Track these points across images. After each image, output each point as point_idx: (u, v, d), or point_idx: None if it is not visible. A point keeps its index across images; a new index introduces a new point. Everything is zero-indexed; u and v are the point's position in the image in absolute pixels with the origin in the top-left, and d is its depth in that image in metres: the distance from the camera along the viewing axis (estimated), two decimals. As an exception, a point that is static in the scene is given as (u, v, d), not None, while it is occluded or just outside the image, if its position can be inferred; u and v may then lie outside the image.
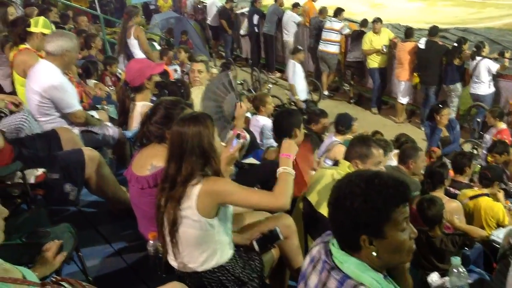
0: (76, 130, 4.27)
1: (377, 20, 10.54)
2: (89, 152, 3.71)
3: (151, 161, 2.99)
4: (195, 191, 2.51)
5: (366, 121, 9.96)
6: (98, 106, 5.30)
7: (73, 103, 4.24)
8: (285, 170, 2.72)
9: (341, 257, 1.78)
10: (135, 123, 4.30)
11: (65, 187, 3.56)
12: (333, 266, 1.78)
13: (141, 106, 4.28)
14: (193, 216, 2.53)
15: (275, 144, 5.12)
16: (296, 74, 9.90)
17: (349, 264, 1.76)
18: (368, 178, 1.76)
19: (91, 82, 6.49)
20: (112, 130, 4.43)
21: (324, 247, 1.88)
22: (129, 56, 7.65)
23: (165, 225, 2.64)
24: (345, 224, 1.75)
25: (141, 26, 8.40)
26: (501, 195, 5.02)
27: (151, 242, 2.80)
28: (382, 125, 9.47)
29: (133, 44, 7.71)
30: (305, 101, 10.08)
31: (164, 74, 6.63)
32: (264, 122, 6.11)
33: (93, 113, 4.81)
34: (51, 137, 3.94)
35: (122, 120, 4.51)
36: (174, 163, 2.57)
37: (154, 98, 4.64)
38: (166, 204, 2.59)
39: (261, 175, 3.85)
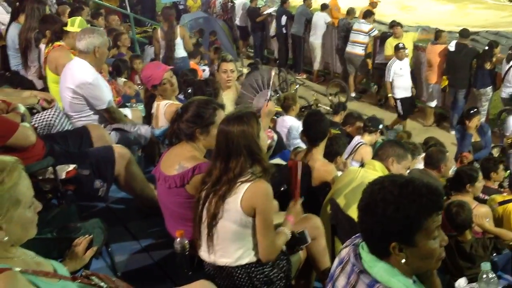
0: (108, 127, 4.35)
1: (396, 24, 10.46)
2: (119, 149, 3.76)
3: (179, 160, 3.01)
4: (243, 188, 2.60)
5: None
6: (127, 104, 5.36)
7: (107, 100, 4.33)
8: (284, 231, 2.86)
9: (370, 261, 1.77)
10: (160, 122, 4.36)
11: (95, 183, 3.61)
12: (362, 269, 1.77)
13: (164, 105, 4.33)
14: (236, 211, 2.61)
15: (302, 144, 5.13)
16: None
17: (378, 268, 1.74)
18: (401, 185, 1.73)
19: (121, 80, 6.57)
20: (143, 129, 4.49)
21: (354, 249, 1.87)
22: (168, 57, 7.83)
23: (203, 218, 2.70)
24: (375, 230, 1.73)
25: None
26: None
27: (178, 240, 2.82)
28: (410, 128, 9.37)
29: (178, 44, 7.90)
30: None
31: (192, 72, 6.69)
32: (291, 122, 6.11)
33: (127, 111, 4.87)
34: (82, 133, 4.01)
35: (149, 119, 4.58)
36: (220, 162, 2.67)
37: (182, 97, 4.68)
38: (208, 197, 2.67)
39: (288, 176, 3.85)
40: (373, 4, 12.25)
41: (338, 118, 7.33)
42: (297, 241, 2.97)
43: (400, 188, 1.72)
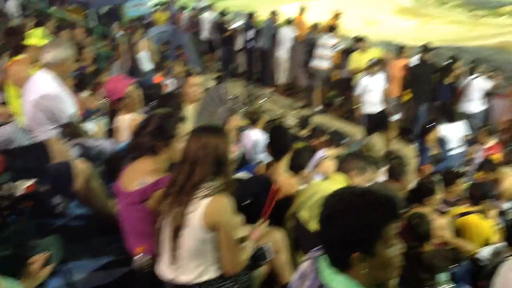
0: (70, 142, 4.28)
1: (362, 39, 10.61)
2: (80, 164, 3.71)
3: (139, 176, 2.98)
4: (204, 203, 2.59)
5: (358, 136, 10.00)
6: (91, 118, 5.30)
7: (70, 113, 4.27)
8: (248, 245, 2.93)
9: (330, 275, 1.78)
10: (124, 136, 4.32)
11: (54, 199, 3.55)
12: (322, 284, 1.78)
13: (127, 119, 4.30)
14: (197, 227, 2.59)
15: (267, 158, 5.15)
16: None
17: (338, 282, 1.76)
18: (360, 194, 1.77)
19: (85, 94, 6.50)
20: (106, 143, 4.44)
21: (314, 263, 1.88)
22: (134, 70, 7.77)
23: (164, 232, 2.68)
24: (336, 241, 1.75)
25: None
26: (493, 212, 5.03)
27: (138, 256, 2.79)
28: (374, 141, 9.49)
29: (143, 57, 7.82)
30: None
31: (156, 86, 6.67)
32: (257, 136, 6.13)
33: (90, 125, 4.81)
34: (42, 148, 3.93)
35: (111, 133, 4.54)
36: (186, 168, 2.66)
37: (147, 111, 4.66)
38: (171, 209, 2.65)
39: (252, 190, 3.86)
40: (337, 16, 12.44)
41: (304, 132, 7.39)
42: (259, 255, 2.98)
43: (359, 197, 1.76)
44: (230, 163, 2.79)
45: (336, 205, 1.77)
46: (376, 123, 9.56)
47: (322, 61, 11.27)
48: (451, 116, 8.14)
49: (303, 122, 7.67)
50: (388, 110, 9.39)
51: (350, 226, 1.70)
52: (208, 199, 2.60)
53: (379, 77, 9.42)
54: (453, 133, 7.58)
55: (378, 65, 9.43)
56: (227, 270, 2.69)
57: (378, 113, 9.42)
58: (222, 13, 14.41)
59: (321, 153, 5.98)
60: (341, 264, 1.77)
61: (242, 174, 4.47)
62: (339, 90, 11.84)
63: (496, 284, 2.98)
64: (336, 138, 6.10)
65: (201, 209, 2.59)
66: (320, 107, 11.69)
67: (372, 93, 9.41)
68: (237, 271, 2.73)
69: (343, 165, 3.79)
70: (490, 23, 19.04)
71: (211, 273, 2.69)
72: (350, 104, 11.46)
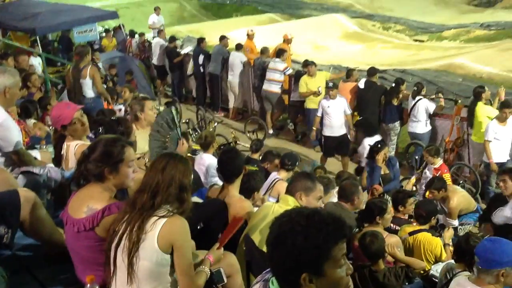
0: (16, 170, 4.14)
1: (311, 63, 10.80)
2: (25, 193, 3.58)
3: (87, 203, 2.91)
4: (159, 224, 2.62)
5: (310, 158, 10.13)
6: (37, 146, 5.15)
7: (16, 142, 4.14)
8: (204, 270, 2.91)
9: None
10: (70, 163, 4.23)
11: (-1, 230, 3.41)
12: None
13: (74, 145, 4.22)
14: (152, 248, 2.60)
15: (219, 182, 5.14)
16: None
17: None
18: (308, 215, 1.77)
19: (31, 121, 6.33)
20: (53, 171, 4.32)
21: (264, 285, 1.87)
22: (79, 96, 7.61)
23: (118, 255, 2.65)
24: (285, 262, 1.75)
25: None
26: (448, 234, 5.12)
27: (88, 286, 2.70)
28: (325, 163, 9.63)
29: (87, 84, 7.68)
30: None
31: (104, 112, 6.57)
32: (209, 160, 6.11)
33: (35, 153, 4.67)
34: (-16, 178, 3.78)
35: (58, 160, 4.42)
36: (148, 191, 2.71)
37: (93, 137, 4.58)
38: (126, 229, 2.64)
39: (204, 214, 3.84)
40: (288, 40, 12.67)
41: (256, 155, 7.41)
42: (213, 280, 2.96)
43: (307, 218, 1.76)
44: (190, 189, 2.83)
45: (283, 227, 1.77)
46: (336, 147, 9.64)
47: (273, 85, 11.41)
48: (372, 130, 8.48)
49: (255, 145, 7.69)
50: (348, 134, 9.54)
51: (297, 248, 1.70)
52: (164, 219, 2.63)
53: (340, 101, 9.48)
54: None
55: (336, 88, 9.55)
56: None
57: (340, 137, 9.51)
58: (172, 39, 14.42)
59: (273, 176, 6.03)
60: (290, 286, 1.77)
61: (195, 199, 4.44)
62: (291, 114, 11.99)
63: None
64: (288, 161, 6.14)
65: (157, 229, 2.61)
66: (271, 131, 11.79)
67: (332, 116, 9.44)
68: None
69: (289, 187, 3.81)
70: (433, 47, 19.78)
71: None
72: (301, 127, 11.65)
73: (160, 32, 14.98)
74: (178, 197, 2.74)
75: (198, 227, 3.73)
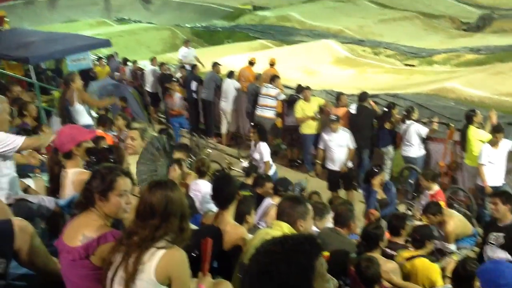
0: (10, 199, 4.12)
1: (306, 88, 10.93)
2: (19, 223, 3.55)
3: (83, 231, 2.90)
4: (157, 255, 2.59)
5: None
6: (30, 174, 5.13)
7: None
8: None
9: None
10: (67, 191, 4.20)
11: (-7, 260, 3.37)
12: None
13: (72, 173, 4.19)
14: (149, 280, 2.57)
15: (214, 208, 5.12)
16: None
17: None
18: (281, 241, 1.82)
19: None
20: (47, 200, 4.30)
21: None
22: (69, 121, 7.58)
23: (115, 286, 2.63)
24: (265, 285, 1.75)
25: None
26: (450, 267, 5.01)
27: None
28: (320, 188, 9.60)
29: (78, 111, 7.65)
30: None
31: (97, 140, 6.56)
32: (204, 186, 6.10)
33: (29, 181, 4.65)
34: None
35: (52, 188, 4.39)
36: (151, 223, 2.67)
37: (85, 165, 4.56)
38: (123, 260, 2.61)
39: (199, 242, 3.82)
40: (272, 64, 12.75)
41: (250, 181, 7.40)
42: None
43: (281, 244, 1.79)
44: (189, 218, 2.84)
45: (262, 262, 1.79)
46: (343, 182, 9.39)
47: (266, 110, 11.47)
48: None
49: (249, 170, 7.69)
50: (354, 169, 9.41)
51: (284, 275, 1.71)
52: (162, 251, 2.60)
53: (342, 134, 9.29)
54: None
55: (338, 122, 9.28)
56: None
57: (347, 172, 9.24)
58: (162, 64, 14.52)
59: (268, 202, 6.02)
60: None
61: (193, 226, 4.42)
62: (284, 138, 12.02)
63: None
64: (281, 186, 6.15)
65: (155, 261, 2.59)
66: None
67: (334, 150, 9.24)
68: None
69: (285, 215, 3.78)
70: (424, 71, 20.00)
71: None
72: (295, 152, 11.67)
73: (152, 60, 15.01)
74: (181, 226, 2.74)
75: (193, 255, 3.70)
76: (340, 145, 9.24)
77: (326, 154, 9.39)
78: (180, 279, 2.64)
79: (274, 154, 12.12)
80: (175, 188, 2.81)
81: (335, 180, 9.43)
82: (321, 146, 9.48)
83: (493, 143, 7.92)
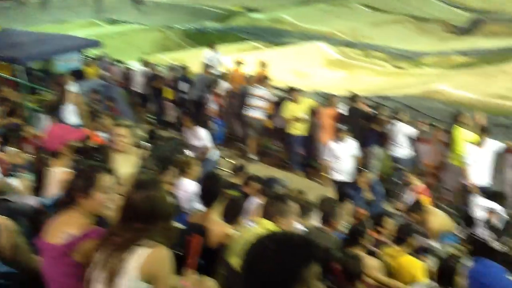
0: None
1: (295, 90, 10.96)
2: (2, 221, 3.55)
3: (64, 228, 2.89)
4: (143, 254, 2.57)
5: (293, 184, 10.10)
6: (15, 174, 5.11)
7: None
8: None
9: None
10: (53, 189, 4.19)
11: (-24, 258, 3.36)
12: None
13: (59, 172, 4.18)
14: (133, 278, 2.55)
15: (200, 207, 5.13)
16: None
17: None
18: (279, 240, 1.81)
19: (11, 150, 6.28)
20: (30, 199, 4.29)
21: None
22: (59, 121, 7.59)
23: (96, 283, 2.62)
24: (258, 286, 1.76)
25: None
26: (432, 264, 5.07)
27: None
28: (307, 187, 9.60)
29: (68, 110, 7.65)
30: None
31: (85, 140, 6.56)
32: (190, 185, 6.09)
33: (14, 180, 4.64)
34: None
35: (39, 186, 4.38)
36: (135, 227, 2.65)
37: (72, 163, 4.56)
38: (107, 257, 2.60)
39: (184, 240, 3.83)
40: (263, 66, 12.78)
41: (238, 180, 7.41)
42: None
43: (277, 243, 1.78)
44: (173, 215, 2.83)
45: (254, 252, 1.79)
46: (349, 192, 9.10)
47: (256, 111, 11.48)
48: None
49: (237, 170, 7.70)
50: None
51: (268, 271, 1.72)
52: (148, 250, 2.58)
53: (350, 143, 9.04)
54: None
55: (344, 132, 8.96)
56: None
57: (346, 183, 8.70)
58: (147, 63, 14.51)
59: (254, 201, 6.03)
60: None
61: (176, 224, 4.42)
62: (274, 139, 12.04)
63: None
64: (270, 186, 6.16)
65: (140, 259, 2.57)
66: (254, 156, 11.80)
67: (342, 160, 8.92)
68: None
69: (265, 211, 3.81)
70: (413, 73, 20.12)
71: None
72: (284, 153, 11.68)
73: (141, 60, 14.90)
74: (164, 227, 2.72)
75: (179, 253, 3.70)
76: (348, 155, 8.97)
77: (334, 165, 8.98)
78: (164, 278, 2.63)
79: (262, 155, 12.18)
80: (158, 188, 2.80)
81: (345, 191, 8.47)
82: (327, 156, 9.14)
83: (479, 143, 7.99)
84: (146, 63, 15.28)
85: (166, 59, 19.62)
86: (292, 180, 10.23)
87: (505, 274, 3.38)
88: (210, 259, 3.87)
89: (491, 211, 6.63)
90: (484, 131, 8.09)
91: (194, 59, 17.48)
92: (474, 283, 3.27)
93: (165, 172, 5.52)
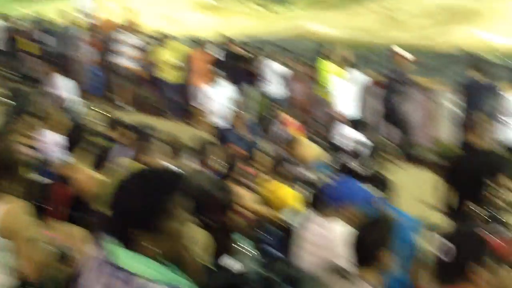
0: None
1: (163, 35, 10.94)
2: None
3: None
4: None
5: (170, 130, 9.98)
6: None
7: None
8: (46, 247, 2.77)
9: (121, 256, 1.71)
10: None
11: None
12: (118, 266, 1.71)
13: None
14: None
15: (66, 158, 4.94)
16: None
17: (130, 260, 1.70)
18: (141, 174, 1.81)
19: None
20: None
21: (102, 250, 1.80)
22: None
23: None
24: (121, 220, 1.72)
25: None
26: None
27: None
28: (184, 133, 9.51)
29: None
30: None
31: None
32: (53, 137, 5.78)
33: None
34: None
35: None
36: None
37: None
38: None
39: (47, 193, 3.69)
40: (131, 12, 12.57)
41: (110, 130, 7.16)
42: (62, 255, 2.85)
43: (139, 177, 1.78)
44: (19, 166, 2.67)
45: (119, 189, 1.75)
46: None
47: (126, 60, 11.09)
48: None
49: (111, 121, 7.42)
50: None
51: (132, 205, 1.69)
52: (5, 206, 2.45)
53: (225, 87, 9.04)
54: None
55: (219, 75, 9.01)
56: (28, 275, 2.55)
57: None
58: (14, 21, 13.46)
59: (122, 146, 5.89)
60: (128, 243, 1.71)
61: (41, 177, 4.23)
62: (149, 89, 11.75)
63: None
64: (137, 131, 6.03)
65: None
66: (129, 106, 11.47)
67: (217, 104, 8.83)
68: (40, 275, 2.60)
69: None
70: (287, 17, 20.47)
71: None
72: (161, 102, 11.46)
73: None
74: (20, 179, 2.61)
75: (42, 205, 3.58)
76: (223, 98, 8.90)
77: (209, 109, 8.94)
78: (22, 232, 2.50)
79: (139, 105, 11.83)
80: (3, 140, 2.67)
81: (223, 134, 8.58)
82: (202, 100, 9.09)
83: (344, 76, 8.44)
84: (5, 18, 14.09)
85: (27, 12, 18.15)
86: (169, 127, 10.15)
87: (362, 187, 3.61)
88: (80, 208, 3.77)
89: (356, 139, 7.05)
90: (349, 64, 8.49)
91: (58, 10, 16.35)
92: (331, 195, 3.52)
93: (21, 124, 5.19)
